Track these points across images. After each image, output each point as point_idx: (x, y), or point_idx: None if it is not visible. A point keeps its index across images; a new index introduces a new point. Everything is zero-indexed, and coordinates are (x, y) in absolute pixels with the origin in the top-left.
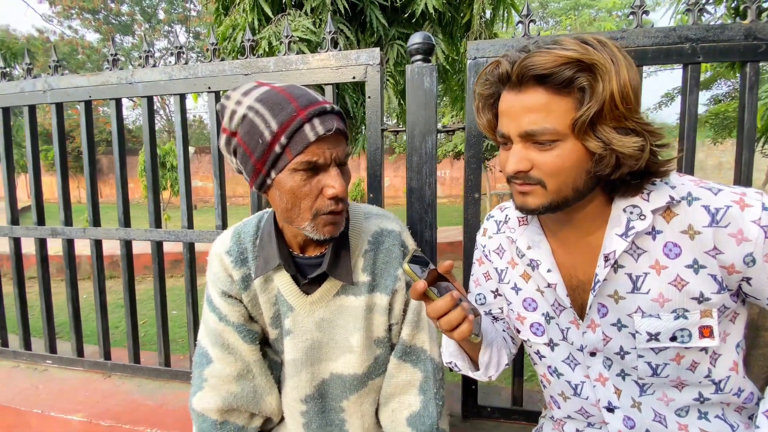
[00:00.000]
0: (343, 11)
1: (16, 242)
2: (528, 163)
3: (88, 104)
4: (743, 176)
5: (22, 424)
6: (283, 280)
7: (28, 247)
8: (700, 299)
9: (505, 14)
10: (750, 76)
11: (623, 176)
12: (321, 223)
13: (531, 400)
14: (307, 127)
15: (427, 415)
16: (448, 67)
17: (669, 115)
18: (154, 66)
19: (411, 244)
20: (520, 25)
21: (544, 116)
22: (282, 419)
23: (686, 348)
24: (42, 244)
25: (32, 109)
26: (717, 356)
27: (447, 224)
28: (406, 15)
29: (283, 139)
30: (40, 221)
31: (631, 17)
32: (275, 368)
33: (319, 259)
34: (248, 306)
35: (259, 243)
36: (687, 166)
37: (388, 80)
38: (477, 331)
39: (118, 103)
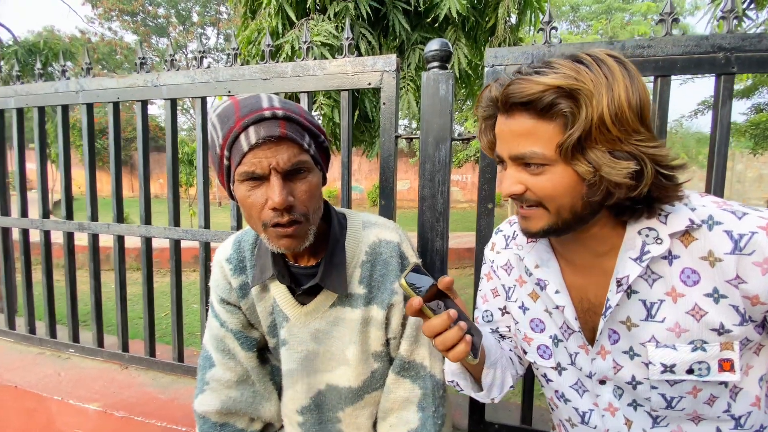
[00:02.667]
0: (365, 16)
1: (47, 235)
2: (521, 186)
3: (116, 105)
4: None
5: (43, 409)
6: (278, 290)
7: (56, 236)
8: (721, 331)
9: (533, 18)
10: None
11: (621, 202)
12: (273, 235)
13: (542, 419)
14: (242, 137)
15: None
16: (470, 72)
17: (705, 124)
18: (178, 70)
19: (411, 255)
20: (541, 31)
21: (532, 141)
22: (282, 427)
23: (704, 382)
24: (69, 237)
25: (65, 108)
26: (738, 390)
27: (467, 230)
28: (429, 19)
29: (226, 152)
30: (69, 216)
31: (659, 24)
32: (277, 374)
33: (314, 269)
34: (247, 313)
35: (257, 251)
36: (717, 182)
37: (408, 84)
38: (475, 353)
39: (144, 104)
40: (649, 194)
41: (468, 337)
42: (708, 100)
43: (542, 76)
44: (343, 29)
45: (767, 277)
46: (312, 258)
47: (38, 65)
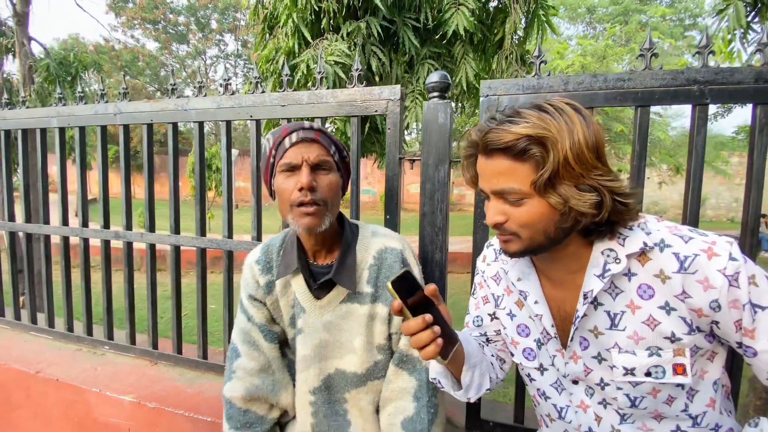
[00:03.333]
0: (376, 35)
1: (86, 242)
2: (503, 216)
3: (149, 127)
4: (751, 216)
5: (82, 400)
6: (299, 285)
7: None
8: (672, 339)
9: (540, 31)
10: (760, 119)
11: (589, 225)
12: (297, 214)
13: (534, 418)
14: (286, 139)
15: (419, 421)
16: (477, 85)
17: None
18: (206, 96)
19: (412, 262)
20: (531, 65)
21: (510, 179)
22: (294, 417)
23: (661, 383)
24: (107, 244)
25: (104, 129)
26: (694, 392)
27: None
28: (438, 36)
29: (273, 151)
30: (106, 225)
31: (639, 59)
32: (292, 367)
33: (328, 268)
34: (270, 309)
35: (283, 252)
36: (693, 202)
37: (417, 98)
38: (444, 354)
39: (175, 126)
40: (609, 219)
41: (439, 340)
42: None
43: (515, 125)
44: (354, 48)
45: (708, 293)
46: (328, 258)
47: (78, 89)
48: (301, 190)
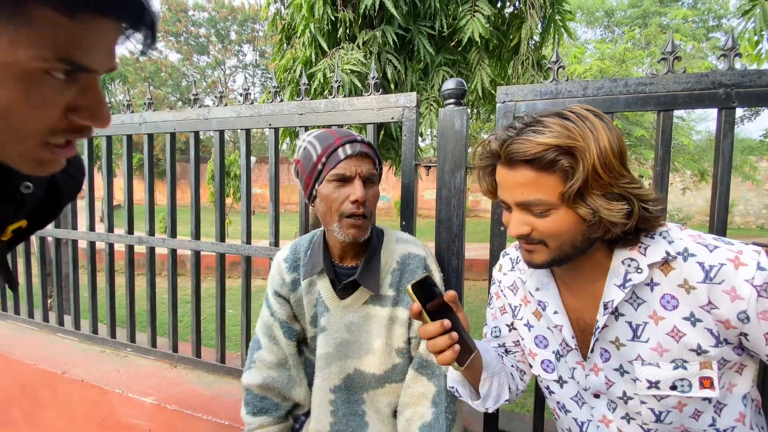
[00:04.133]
0: (392, 43)
1: (111, 247)
2: (527, 228)
3: (172, 135)
4: None
5: (105, 401)
6: (323, 285)
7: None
8: (698, 351)
9: (556, 36)
10: None
11: (618, 235)
12: (345, 225)
13: (552, 429)
14: (339, 150)
15: (437, 427)
16: (492, 91)
17: (752, 130)
18: (226, 106)
19: (434, 269)
20: (548, 71)
21: (536, 190)
22: (308, 413)
23: (688, 397)
24: (130, 249)
25: (129, 137)
26: (722, 406)
27: None
28: (453, 43)
29: (323, 159)
30: (130, 230)
31: (661, 63)
32: (309, 366)
33: (354, 270)
34: (293, 306)
35: (309, 252)
36: (721, 208)
37: (432, 105)
38: (461, 361)
39: (197, 135)
40: (636, 226)
41: (456, 346)
42: None
43: (540, 135)
44: (370, 56)
45: (736, 304)
46: (353, 260)
47: (107, 99)
48: (354, 202)
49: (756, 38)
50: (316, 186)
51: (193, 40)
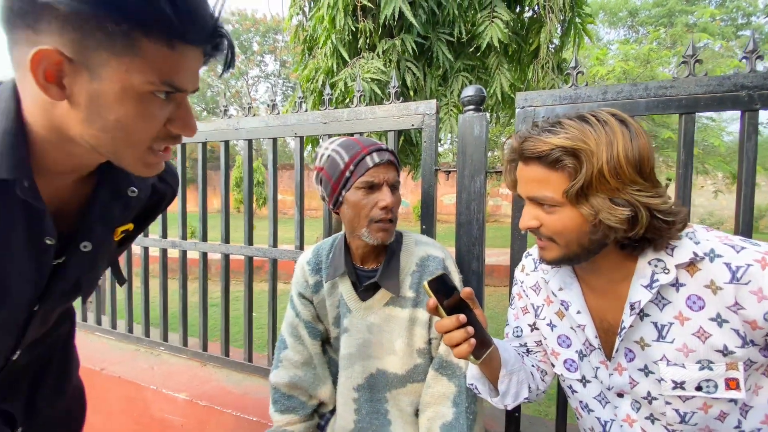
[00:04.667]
0: (411, 51)
1: (145, 251)
2: (536, 222)
3: (204, 145)
4: None
5: (141, 397)
6: (345, 287)
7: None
8: (725, 352)
9: (576, 39)
10: None
11: (622, 240)
12: (374, 229)
13: None
14: (367, 158)
15: (458, 426)
16: (512, 95)
17: None
18: (254, 116)
19: (453, 270)
20: (568, 76)
21: (544, 186)
22: (333, 410)
23: (713, 398)
24: (164, 253)
25: None
26: (748, 408)
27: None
28: (472, 49)
29: (351, 167)
30: (164, 235)
31: (682, 66)
32: (333, 365)
33: (375, 272)
34: (317, 307)
35: (332, 256)
36: (746, 210)
37: (452, 110)
38: (477, 355)
39: (227, 144)
40: (645, 235)
41: (472, 340)
42: None
43: (552, 135)
44: (390, 64)
45: (762, 304)
46: (374, 263)
47: None
48: (383, 208)
49: None
50: (343, 193)
51: None
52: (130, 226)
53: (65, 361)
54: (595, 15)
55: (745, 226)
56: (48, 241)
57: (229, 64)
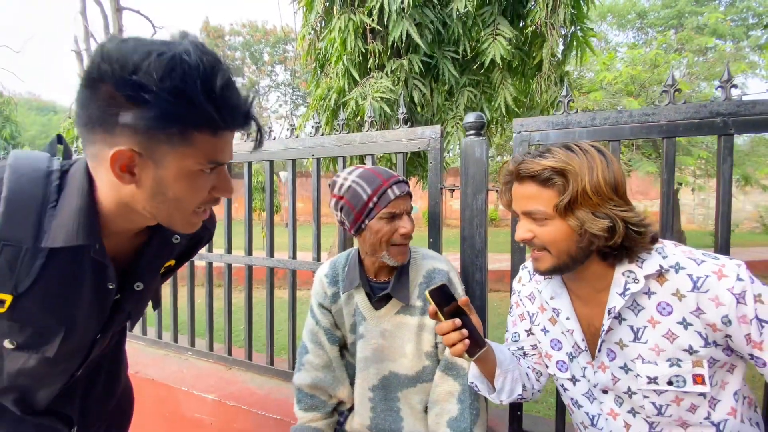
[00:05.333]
0: (417, 69)
1: None
2: (530, 233)
3: (228, 166)
4: None
5: (172, 397)
6: (361, 297)
7: None
8: (690, 351)
9: (579, 52)
10: None
11: (603, 248)
12: (394, 252)
13: None
14: (389, 191)
15: (462, 420)
16: (516, 109)
17: None
18: (275, 139)
19: (456, 281)
20: (560, 103)
21: (536, 201)
22: (352, 408)
23: (683, 392)
24: (191, 264)
25: None
26: (716, 401)
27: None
28: (476, 65)
29: (375, 199)
30: None
31: (663, 95)
32: (349, 368)
33: (387, 284)
34: (335, 316)
35: (347, 270)
36: (724, 226)
37: (458, 123)
38: (471, 353)
39: (249, 165)
40: (623, 244)
41: (466, 341)
42: None
43: (544, 159)
44: (398, 83)
45: (719, 309)
46: (385, 276)
47: None
48: (403, 235)
49: None
50: (366, 221)
51: (229, 63)
52: (172, 263)
53: (115, 363)
54: (603, 18)
55: (723, 240)
56: (110, 286)
57: (258, 142)
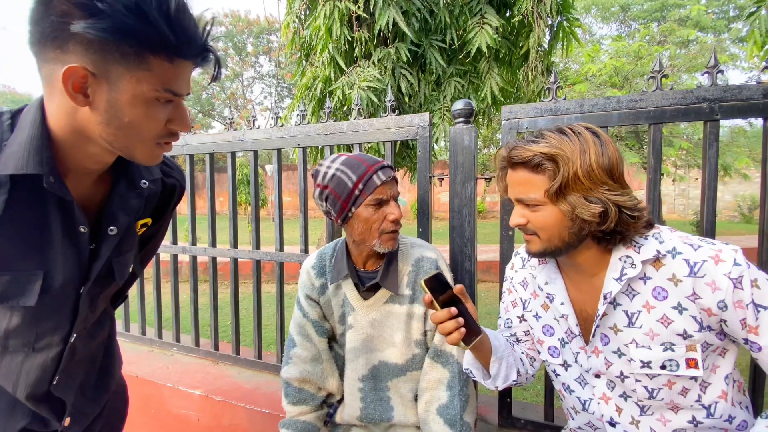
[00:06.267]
0: (405, 58)
1: (157, 256)
2: (523, 219)
3: (211, 156)
4: (766, 224)
5: (158, 393)
6: (349, 288)
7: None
8: (684, 335)
9: (565, 43)
10: None
11: (596, 233)
12: (385, 239)
13: (562, 417)
14: (375, 177)
15: (452, 407)
16: (502, 99)
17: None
18: (259, 128)
19: (444, 268)
20: (548, 90)
21: (528, 188)
22: (341, 400)
23: (676, 375)
24: (175, 258)
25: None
26: (707, 385)
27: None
28: (463, 54)
29: (360, 186)
30: (174, 241)
31: (650, 81)
32: (338, 359)
33: (375, 274)
34: (323, 307)
35: (334, 260)
36: (709, 211)
37: (444, 114)
38: (467, 341)
39: (233, 155)
40: (616, 228)
41: (462, 329)
42: None
43: (536, 144)
44: (385, 72)
45: (716, 294)
46: (373, 265)
47: None
48: (393, 221)
49: (762, 39)
50: (353, 209)
51: None
52: (148, 220)
53: (108, 357)
54: (588, 10)
55: (709, 225)
56: (82, 229)
57: (216, 75)
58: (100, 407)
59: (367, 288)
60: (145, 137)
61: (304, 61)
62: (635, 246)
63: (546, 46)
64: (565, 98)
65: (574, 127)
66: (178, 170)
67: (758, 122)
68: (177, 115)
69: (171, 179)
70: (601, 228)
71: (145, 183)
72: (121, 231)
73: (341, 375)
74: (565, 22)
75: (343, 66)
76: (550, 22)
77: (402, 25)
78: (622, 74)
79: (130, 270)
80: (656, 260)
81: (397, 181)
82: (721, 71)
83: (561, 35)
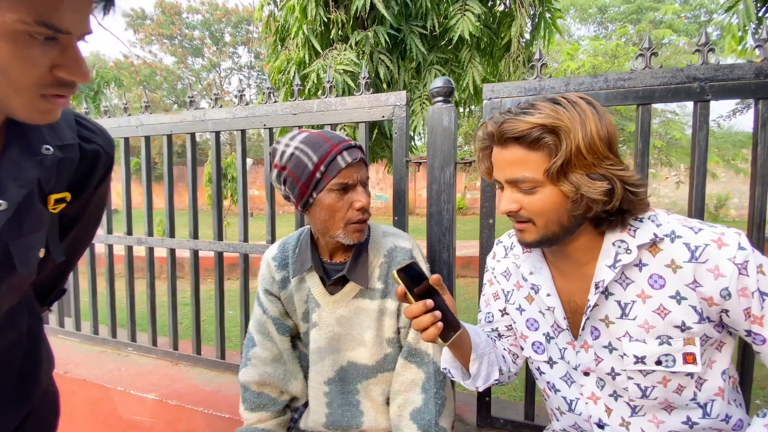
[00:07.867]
0: (384, 43)
1: (110, 248)
2: (516, 205)
3: (169, 137)
4: (756, 211)
5: (108, 398)
6: (313, 281)
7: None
8: (683, 328)
9: (546, 34)
10: (762, 113)
11: (600, 214)
12: (350, 230)
13: (544, 415)
14: (339, 158)
15: (427, 411)
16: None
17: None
18: (221, 107)
19: (420, 259)
20: (532, 68)
21: (523, 167)
22: (306, 404)
23: (672, 372)
24: (129, 250)
25: (126, 140)
26: (702, 381)
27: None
28: (444, 42)
29: (322, 168)
30: (129, 232)
31: (639, 59)
32: (303, 359)
33: (343, 266)
34: (284, 303)
35: (298, 251)
36: (698, 197)
37: (424, 102)
38: (444, 337)
39: (193, 137)
40: (620, 207)
41: (439, 324)
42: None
43: (529, 116)
44: (363, 56)
45: (719, 281)
46: (342, 256)
47: (104, 103)
48: (359, 209)
49: (740, 34)
50: (314, 195)
51: (187, 43)
52: (66, 195)
53: (30, 361)
54: (566, 11)
55: (697, 211)
56: None
57: (106, 8)
58: (18, 419)
59: (333, 282)
60: (19, 85)
61: (279, 46)
62: (630, 229)
63: (528, 36)
64: (550, 76)
65: (568, 96)
66: (103, 134)
67: (726, 123)
68: (66, 59)
69: (92, 145)
70: (607, 207)
71: (48, 149)
72: (13, 206)
73: (307, 377)
74: (546, 13)
75: (319, 48)
76: (532, 12)
77: (380, 7)
78: (600, 72)
79: (41, 255)
80: (653, 245)
81: (366, 164)
82: (712, 49)
83: (543, 26)
